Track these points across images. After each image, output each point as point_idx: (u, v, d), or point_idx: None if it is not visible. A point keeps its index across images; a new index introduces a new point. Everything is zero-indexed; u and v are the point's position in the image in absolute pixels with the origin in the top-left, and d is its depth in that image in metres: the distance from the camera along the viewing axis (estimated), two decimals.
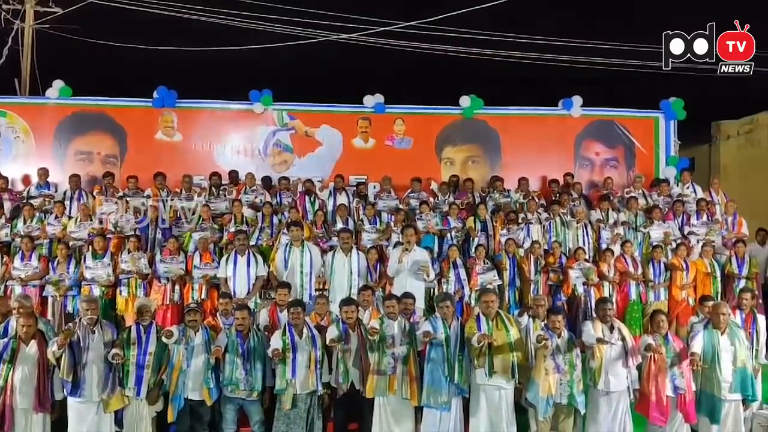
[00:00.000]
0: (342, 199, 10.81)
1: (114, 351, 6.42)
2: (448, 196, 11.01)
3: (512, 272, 9.29)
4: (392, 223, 9.97)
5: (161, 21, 16.12)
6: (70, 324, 6.73)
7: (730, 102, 17.62)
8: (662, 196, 11.17)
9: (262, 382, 6.78)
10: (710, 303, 7.57)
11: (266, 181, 11.34)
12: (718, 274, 9.49)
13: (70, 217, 9.84)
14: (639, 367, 6.90)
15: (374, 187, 11.61)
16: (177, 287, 8.79)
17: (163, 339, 6.62)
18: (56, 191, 10.90)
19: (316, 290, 8.57)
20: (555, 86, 14.29)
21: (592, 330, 6.86)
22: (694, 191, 11.36)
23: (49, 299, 8.79)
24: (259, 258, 8.71)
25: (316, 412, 6.82)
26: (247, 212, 10.04)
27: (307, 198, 10.68)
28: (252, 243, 9.21)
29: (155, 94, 11.94)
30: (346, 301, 7.18)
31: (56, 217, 9.72)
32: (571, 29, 16.69)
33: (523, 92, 14.57)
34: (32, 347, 6.41)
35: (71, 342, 6.33)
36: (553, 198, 10.98)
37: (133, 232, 9.45)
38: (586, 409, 6.80)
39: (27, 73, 15.40)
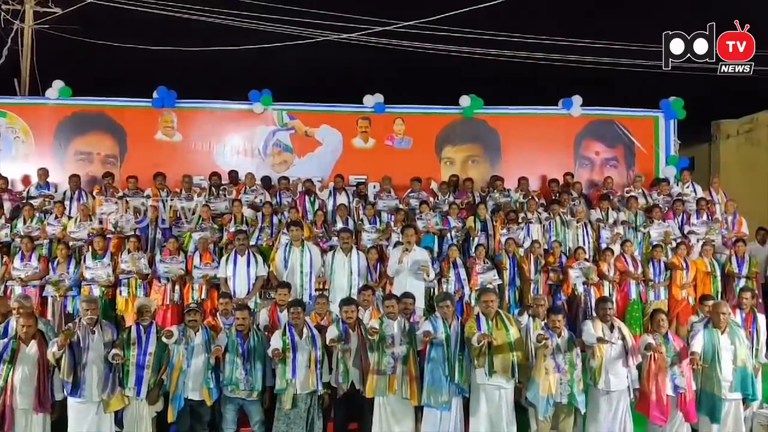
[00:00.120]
0: (342, 198, 10.80)
1: (114, 351, 6.42)
2: (448, 196, 11.01)
3: (512, 272, 9.29)
4: (392, 223, 9.96)
5: (161, 21, 16.14)
6: (70, 324, 6.73)
7: (730, 101, 17.63)
8: (662, 195, 11.17)
9: (262, 382, 6.78)
10: (710, 302, 7.58)
11: (266, 181, 11.34)
12: (718, 273, 9.49)
13: (69, 218, 9.84)
14: (639, 367, 6.91)
15: (374, 186, 11.60)
16: (177, 287, 8.78)
17: (163, 339, 6.62)
18: (56, 191, 10.90)
19: (316, 290, 8.57)
20: (555, 86, 14.29)
21: (593, 329, 6.86)
22: (694, 190, 11.36)
23: (49, 299, 8.79)
24: (259, 258, 8.71)
25: (316, 412, 6.82)
26: (247, 212, 10.04)
27: (306, 198, 10.68)
28: (252, 243, 9.21)
29: (155, 94, 11.95)
30: (346, 301, 7.18)
31: (56, 218, 9.71)
32: (571, 29, 16.72)
33: (523, 92, 14.57)
34: (32, 347, 6.41)
35: (71, 343, 6.32)
36: (553, 197, 10.98)
37: (133, 232, 9.45)
38: (587, 408, 6.81)
39: (27, 74, 15.40)
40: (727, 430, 6.89)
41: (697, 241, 10.01)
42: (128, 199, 10.19)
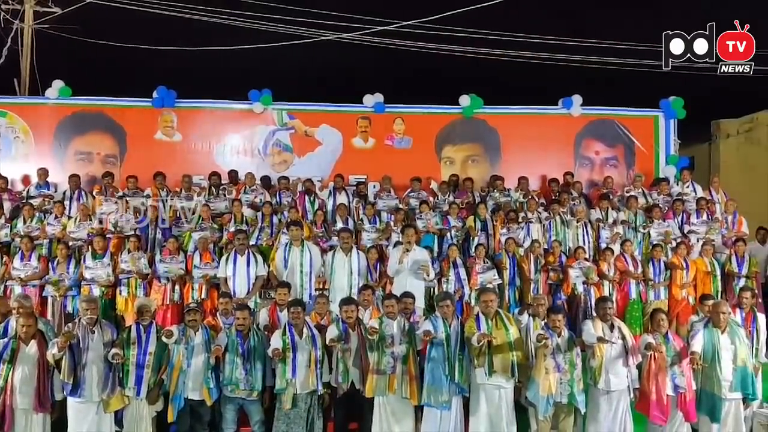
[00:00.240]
0: (342, 198, 10.80)
1: (114, 351, 6.42)
2: (448, 196, 11.01)
3: (512, 271, 9.29)
4: (392, 223, 9.96)
5: (160, 21, 16.12)
6: (70, 324, 6.72)
7: (730, 101, 17.61)
8: (662, 195, 11.17)
9: (262, 382, 6.78)
10: (710, 302, 7.58)
11: (266, 180, 11.34)
12: (718, 272, 9.49)
13: (69, 217, 9.83)
14: (639, 366, 6.91)
15: (374, 186, 11.59)
16: (177, 287, 8.78)
17: (163, 339, 6.62)
18: (56, 191, 10.89)
19: (316, 290, 8.57)
20: (555, 85, 14.27)
21: (593, 329, 6.86)
22: (694, 190, 11.35)
23: (49, 299, 8.79)
24: (259, 258, 8.71)
25: (316, 411, 6.82)
26: (247, 212, 10.04)
27: (306, 197, 10.67)
28: (252, 243, 9.21)
29: (155, 94, 11.95)
30: (346, 301, 7.18)
31: (56, 217, 9.71)
32: (571, 28, 16.71)
33: (523, 91, 14.55)
34: (32, 347, 6.41)
35: (71, 344, 6.32)
36: (553, 197, 10.98)
37: (132, 232, 9.44)
38: (587, 408, 6.81)
39: (26, 73, 15.39)
40: (727, 429, 6.90)
41: (697, 240, 10.01)
42: (128, 198, 10.18)
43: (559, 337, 6.83)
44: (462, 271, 9.07)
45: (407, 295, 7.51)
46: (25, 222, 9.57)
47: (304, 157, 12.21)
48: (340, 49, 16.84)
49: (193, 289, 8.70)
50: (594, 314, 7.63)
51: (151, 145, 11.94)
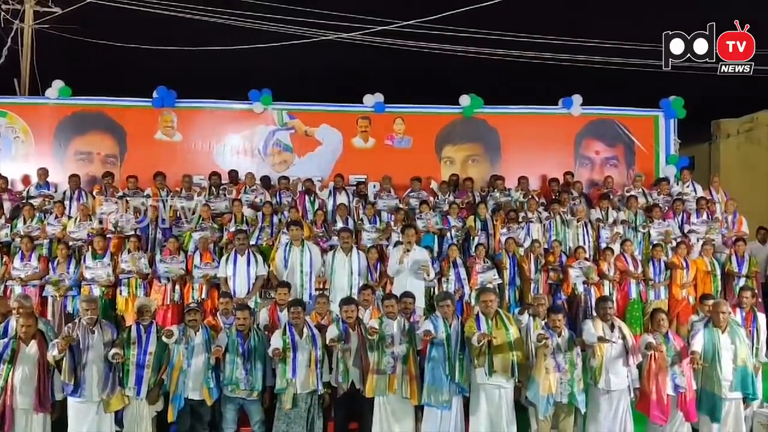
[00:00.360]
0: (342, 198, 10.80)
1: (114, 350, 6.42)
2: (448, 195, 11.01)
3: (512, 271, 9.28)
4: (392, 223, 9.96)
5: (161, 21, 16.13)
6: (69, 325, 6.70)
7: (730, 100, 17.60)
8: (662, 194, 11.16)
9: (263, 382, 6.78)
10: (710, 301, 7.57)
11: (266, 180, 11.35)
12: (719, 272, 9.49)
13: (69, 217, 9.83)
14: (639, 366, 6.91)
15: (374, 186, 11.59)
16: (177, 287, 8.78)
17: (164, 339, 6.62)
18: (56, 191, 10.89)
19: (316, 290, 8.57)
20: (555, 85, 14.27)
21: (593, 329, 6.86)
22: (694, 190, 11.35)
23: (49, 299, 8.79)
24: (259, 257, 8.71)
25: (316, 411, 6.82)
26: (247, 212, 10.03)
27: (306, 197, 10.67)
28: (252, 242, 9.20)
29: (155, 94, 11.95)
30: (346, 301, 7.18)
31: (56, 217, 9.71)
32: (571, 28, 16.68)
33: (523, 91, 14.57)
34: (32, 347, 6.41)
35: (71, 344, 6.32)
36: (554, 197, 10.98)
37: (133, 232, 9.44)
38: (587, 407, 6.81)
39: (26, 73, 15.39)
40: (727, 429, 6.90)
41: (697, 240, 10.01)
42: (128, 198, 10.18)
43: (559, 336, 6.82)
44: (462, 271, 9.07)
45: (407, 294, 7.51)
46: (25, 222, 9.57)
47: (304, 157, 12.21)
48: (340, 49, 16.86)
49: (193, 289, 8.71)
50: (594, 314, 7.62)
51: (151, 145, 11.94)
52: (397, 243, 9.00)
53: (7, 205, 10.14)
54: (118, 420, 6.64)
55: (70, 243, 9.24)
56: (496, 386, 6.65)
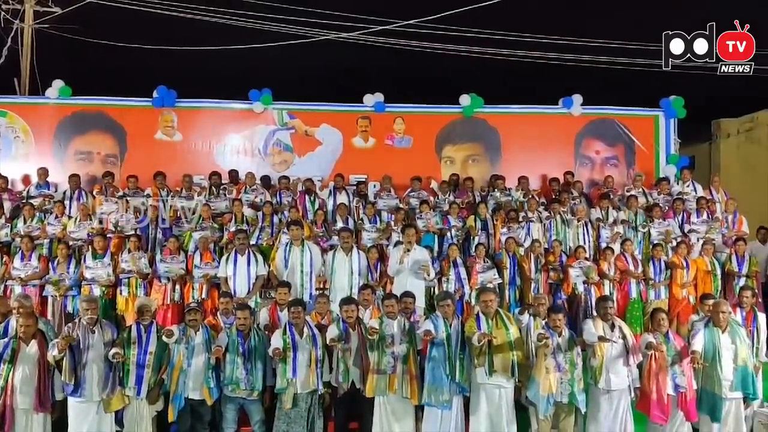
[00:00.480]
0: (342, 198, 10.80)
1: (114, 350, 6.42)
2: (449, 195, 11.01)
3: (512, 271, 9.28)
4: (392, 223, 9.96)
5: (161, 20, 16.13)
6: (69, 325, 6.71)
7: (731, 100, 17.61)
8: (662, 194, 11.16)
9: (263, 382, 6.78)
10: (711, 301, 7.56)
11: (266, 180, 11.34)
12: (719, 272, 9.48)
13: (70, 217, 9.83)
14: (640, 366, 6.91)
15: (374, 186, 11.59)
16: (177, 287, 8.78)
17: (164, 338, 6.62)
18: (56, 191, 10.89)
19: (316, 289, 8.57)
20: (555, 85, 14.27)
21: (593, 328, 6.86)
22: (695, 189, 11.34)
23: (49, 299, 8.79)
24: (260, 257, 8.71)
25: (316, 411, 6.82)
26: (248, 212, 10.04)
27: (307, 197, 10.67)
28: (252, 242, 9.20)
29: (155, 94, 11.96)
30: (347, 300, 7.18)
31: (56, 217, 9.71)
32: (571, 28, 16.67)
33: (524, 91, 14.57)
34: (32, 347, 6.41)
35: (71, 344, 6.32)
36: (554, 196, 10.97)
37: (133, 232, 9.44)
38: (587, 407, 6.80)
39: (27, 73, 15.39)
40: (727, 429, 6.90)
41: (698, 240, 10.00)
42: (128, 198, 10.18)
43: (559, 336, 6.82)
44: (462, 271, 9.07)
45: (407, 294, 7.51)
46: (25, 222, 9.57)
47: (305, 156, 12.21)
48: (340, 49, 16.87)
49: (193, 288, 8.70)
50: (594, 313, 7.63)
51: (151, 144, 11.94)
52: (398, 243, 9.00)
53: (7, 205, 10.14)
54: (119, 420, 6.64)
55: (71, 243, 9.24)
56: (497, 386, 6.65)
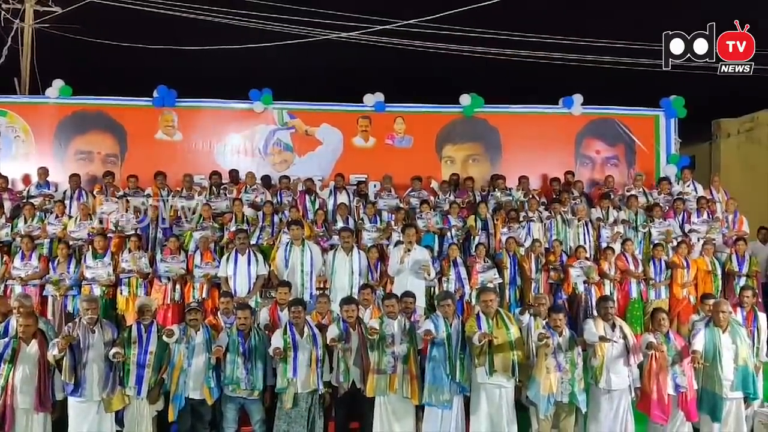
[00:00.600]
0: (342, 198, 10.80)
1: (115, 350, 6.42)
2: (449, 195, 11.01)
3: (513, 271, 9.28)
4: (393, 222, 9.96)
5: (161, 20, 16.12)
6: (70, 324, 6.71)
7: (731, 100, 17.62)
8: (663, 194, 11.16)
9: (263, 381, 6.78)
10: (711, 301, 7.55)
11: (266, 180, 11.35)
12: (719, 272, 9.49)
13: (70, 217, 9.83)
14: (640, 366, 6.90)
15: (374, 186, 11.60)
16: (178, 286, 8.78)
17: (164, 338, 6.62)
18: (56, 191, 10.90)
19: (316, 289, 8.58)
20: (555, 84, 14.27)
21: (594, 328, 6.86)
22: (695, 189, 11.34)
23: (50, 299, 8.79)
24: (260, 257, 8.71)
25: (317, 411, 6.82)
26: (248, 211, 10.04)
27: (307, 197, 10.68)
28: (252, 242, 9.21)
29: (155, 94, 11.96)
30: (347, 300, 7.18)
31: (57, 217, 9.71)
32: (571, 27, 16.67)
33: (524, 90, 14.56)
34: (33, 347, 6.41)
35: (71, 344, 6.32)
36: (554, 196, 10.98)
37: (133, 232, 9.44)
38: (588, 407, 6.80)
39: (27, 73, 15.38)
40: (728, 429, 6.90)
41: (698, 239, 10.01)
42: (129, 198, 10.19)
43: (560, 336, 6.82)
44: (462, 271, 9.07)
45: (408, 294, 7.50)
46: (25, 221, 9.57)
47: (305, 156, 12.21)
48: (340, 49, 16.85)
49: (194, 288, 8.71)
50: (595, 313, 7.63)
51: (151, 144, 11.95)
52: (398, 242, 9.01)
53: (7, 205, 10.14)
54: (119, 419, 6.64)
55: (71, 242, 9.23)
56: (497, 386, 6.65)
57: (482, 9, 14.16)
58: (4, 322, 6.90)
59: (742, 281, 9.31)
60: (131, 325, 6.93)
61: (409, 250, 8.46)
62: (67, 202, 10.26)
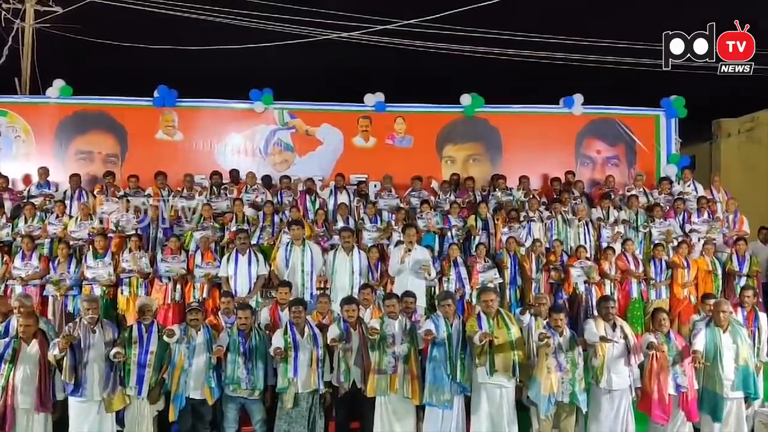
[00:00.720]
0: (343, 198, 10.80)
1: (116, 350, 6.42)
2: (449, 195, 11.01)
3: (513, 271, 9.28)
4: (393, 222, 9.96)
5: (161, 20, 16.12)
6: (70, 324, 6.71)
7: (731, 100, 17.60)
8: (663, 194, 11.17)
9: (264, 381, 6.78)
10: (712, 301, 7.55)
11: (267, 180, 11.35)
12: (720, 271, 9.48)
13: (70, 217, 9.84)
14: (641, 366, 6.90)
15: (375, 185, 11.60)
16: (178, 286, 8.78)
17: (165, 338, 6.62)
18: (56, 191, 10.91)
19: (317, 289, 8.58)
20: (556, 84, 14.26)
21: (595, 328, 6.85)
22: (695, 189, 11.34)
23: (50, 299, 8.79)
24: (260, 257, 8.71)
25: (317, 410, 6.82)
26: (248, 211, 10.04)
27: (307, 197, 10.68)
28: (253, 242, 9.21)
29: (156, 93, 11.96)
30: (347, 300, 7.19)
31: (57, 217, 9.71)
32: (572, 27, 16.66)
33: (524, 90, 14.55)
34: (33, 347, 6.41)
35: (72, 344, 6.32)
36: (555, 196, 10.98)
37: (134, 232, 9.44)
38: (588, 407, 6.80)
39: (27, 73, 15.37)
40: (728, 429, 6.89)
41: (698, 239, 10.01)
42: (129, 198, 10.19)
43: (560, 336, 6.81)
44: (463, 270, 9.07)
45: (408, 294, 7.51)
46: (26, 221, 9.57)
47: (305, 156, 12.22)
48: (341, 49, 16.85)
49: (194, 288, 8.71)
50: (596, 313, 7.63)
51: (152, 144, 11.96)
52: (398, 242, 9.01)
53: (8, 205, 10.14)
54: (120, 419, 6.64)
55: (71, 242, 9.24)
56: (498, 386, 6.65)
57: (482, 9, 14.19)
58: (5, 322, 6.91)
59: (743, 281, 9.30)
60: (132, 325, 6.93)
61: (409, 250, 8.46)
62: (67, 202, 10.26)
